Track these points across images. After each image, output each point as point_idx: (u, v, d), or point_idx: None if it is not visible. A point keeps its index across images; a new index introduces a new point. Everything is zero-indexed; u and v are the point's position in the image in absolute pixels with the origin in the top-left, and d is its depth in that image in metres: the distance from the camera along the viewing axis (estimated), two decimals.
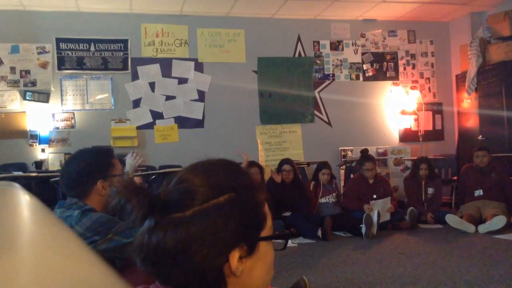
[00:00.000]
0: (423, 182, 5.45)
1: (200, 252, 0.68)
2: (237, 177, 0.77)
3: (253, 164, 5.08)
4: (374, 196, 5.16)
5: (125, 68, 6.09)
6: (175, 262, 0.69)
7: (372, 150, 6.43)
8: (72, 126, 5.91)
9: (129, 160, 2.86)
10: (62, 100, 5.90)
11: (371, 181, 5.31)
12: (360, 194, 5.26)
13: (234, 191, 0.73)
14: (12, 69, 5.77)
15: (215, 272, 0.69)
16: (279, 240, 0.87)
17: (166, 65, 6.21)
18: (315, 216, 4.99)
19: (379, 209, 4.79)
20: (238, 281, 0.72)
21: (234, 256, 0.70)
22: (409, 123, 6.93)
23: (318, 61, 6.78)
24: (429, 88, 7.16)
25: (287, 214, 4.89)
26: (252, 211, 0.74)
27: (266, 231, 0.76)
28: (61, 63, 5.90)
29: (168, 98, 6.20)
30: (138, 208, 0.68)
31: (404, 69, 7.07)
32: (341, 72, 6.85)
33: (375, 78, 6.95)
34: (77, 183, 1.68)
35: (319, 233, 4.52)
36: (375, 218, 4.60)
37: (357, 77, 6.90)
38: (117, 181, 0.70)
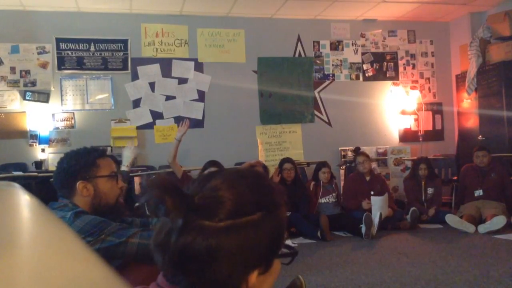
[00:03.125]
0: (423, 182, 5.45)
1: (227, 265, 0.68)
2: (269, 194, 0.76)
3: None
4: (372, 193, 5.17)
5: (125, 68, 6.09)
6: (198, 267, 0.68)
7: (372, 150, 6.44)
8: (72, 126, 5.91)
9: (126, 153, 2.84)
10: (62, 100, 5.90)
11: (367, 178, 5.32)
12: (358, 191, 5.27)
13: (266, 209, 0.73)
14: (12, 69, 5.77)
15: (234, 285, 0.69)
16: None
17: (166, 65, 6.21)
18: (315, 216, 4.99)
19: (379, 205, 4.79)
20: None
21: (255, 273, 0.71)
22: (409, 123, 6.93)
23: (318, 61, 6.78)
24: (429, 88, 7.16)
25: (288, 214, 4.89)
26: (279, 231, 0.75)
27: (281, 248, 0.77)
28: (61, 63, 5.90)
29: (168, 98, 6.20)
30: (175, 211, 0.67)
31: (404, 69, 7.07)
32: (341, 72, 6.85)
33: (375, 78, 6.95)
34: (61, 183, 1.68)
35: (319, 234, 4.52)
36: (375, 218, 4.60)
37: (357, 77, 6.90)
38: (153, 179, 0.68)
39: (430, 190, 5.43)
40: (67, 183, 1.67)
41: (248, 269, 0.70)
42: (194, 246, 0.67)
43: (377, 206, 4.82)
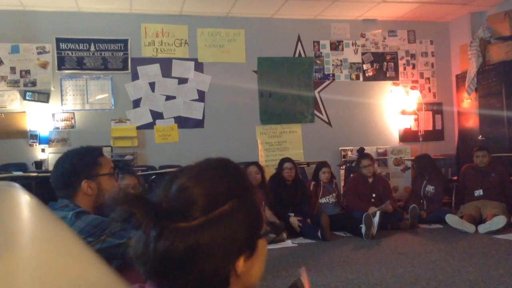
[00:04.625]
0: (425, 179, 5.46)
1: (211, 260, 0.68)
2: (238, 181, 0.76)
3: (253, 163, 5.08)
4: (374, 195, 5.16)
5: (125, 68, 6.09)
6: (183, 270, 0.68)
7: (372, 150, 6.43)
8: (72, 126, 5.91)
9: None
10: (62, 100, 5.90)
11: (370, 180, 5.31)
12: (360, 193, 5.26)
13: (237, 196, 0.72)
14: (12, 69, 5.77)
15: (223, 277, 0.70)
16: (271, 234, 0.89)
17: (166, 65, 6.21)
18: (316, 216, 4.99)
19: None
20: (239, 280, 0.72)
21: (240, 260, 0.71)
22: (409, 123, 6.93)
23: (318, 61, 6.78)
24: (429, 88, 7.16)
25: (291, 215, 4.88)
26: (254, 214, 0.75)
27: (262, 228, 0.77)
28: (61, 63, 5.90)
29: (168, 98, 6.20)
30: (145, 222, 0.66)
31: (404, 69, 7.07)
32: (341, 72, 6.85)
33: (375, 78, 6.95)
34: (63, 184, 1.67)
35: (319, 234, 4.52)
36: (375, 218, 4.60)
37: (357, 77, 6.90)
38: (115, 194, 0.66)
39: (429, 188, 5.43)
40: (71, 183, 1.66)
41: (233, 259, 0.70)
42: (173, 250, 0.66)
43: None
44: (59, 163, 1.70)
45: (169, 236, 0.67)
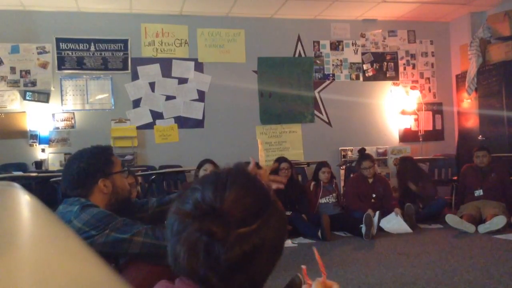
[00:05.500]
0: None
1: (267, 258, 0.76)
2: (266, 188, 0.84)
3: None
4: (374, 195, 5.16)
5: (125, 68, 6.09)
6: (242, 272, 0.74)
7: (372, 150, 6.43)
8: (72, 126, 5.91)
9: None
10: (62, 100, 5.91)
11: (370, 181, 5.30)
12: (360, 193, 5.26)
13: (271, 202, 0.81)
14: (12, 69, 5.77)
15: (264, 282, 0.78)
16: None
17: (166, 65, 6.21)
18: (316, 216, 4.99)
19: (390, 225, 4.79)
20: None
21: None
22: (409, 123, 6.93)
23: (318, 61, 6.78)
24: (429, 88, 7.16)
25: (288, 213, 4.89)
26: (283, 216, 0.83)
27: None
28: (61, 63, 5.90)
29: (168, 98, 6.20)
30: (222, 231, 0.72)
31: (404, 69, 7.07)
32: (341, 72, 6.85)
33: (375, 78, 6.95)
34: (78, 183, 1.68)
35: (319, 233, 4.52)
36: (375, 218, 4.60)
37: (357, 77, 6.90)
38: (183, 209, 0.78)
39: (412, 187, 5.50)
40: (86, 182, 1.68)
41: (278, 255, 0.80)
42: (243, 253, 0.73)
43: (389, 225, 4.81)
44: (73, 162, 1.71)
45: (236, 243, 0.73)
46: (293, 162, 6.29)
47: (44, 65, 5.86)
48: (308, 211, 5.07)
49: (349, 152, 6.62)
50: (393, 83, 7.01)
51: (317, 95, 6.75)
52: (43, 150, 5.75)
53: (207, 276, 0.73)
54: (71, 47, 5.94)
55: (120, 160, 1.84)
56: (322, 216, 4.65)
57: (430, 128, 7.05)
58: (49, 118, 5.82)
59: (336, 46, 6.84)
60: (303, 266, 1.01)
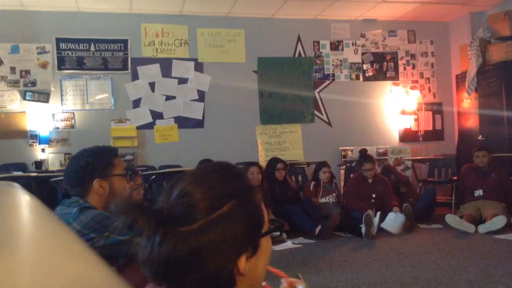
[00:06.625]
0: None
1: (212, 260, 0.71)
2: (235, 182, 0.79)
3: (253, 164, 5.08)
4: (373, 196, 5.16)
5: (125, 68, 6.09)
6: (187, 271, 0.71)
7: (372, 150, 6.42)
8: (72, 126, 5.91)
9: None
10: (62, 100, 5.90)
11: (370, 181, 5.30)
12: (360, 193, 5.26)
13: (234, 198, 0.75)
14: (12, 69, 5.77)
15: (226, 276, 0.72)
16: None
17: (166, 65, 6.21)
18: (317, 212, 4.98)
19: (390, 227, 4.78)
20: (245, 278, 0.74)
21: (242, 259, 0.73)
22: (409, 123, 6.93)
23: (318, 61, 6.78)
24: (429, 88, 7.16)
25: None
26: (254, 213, 0.77)
27: (265, 227, 0.79)
28: (61, 63, 5.90)
29: (168, 98, 6.20)
30: (148, 227, 0.70)
31: (404, 69, 7.07)
32: (341, 72, 6.85)
33: (375, 78, 6.95)
34: (76, 181, 1.68)
35: (317, 229, 4.51)
36: (375, 218, 4.60)
37: (357, 77, 6.90)
38: (119, 202, 0.72)
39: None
40: (83, 181, 1.67)
41: (234, 258, 0.73)
42: (176, 253, 0.70)
43: (390, 223, 4.80)
44: (74, 160, 1.71)
45: (171, 240, 0.70)
46: (293, 162, 6.31)
47: (44, 65, 5.85)
48: (310, 206, 5.05)
49: (349, 152, 6.63)
50: (393, 83, 7.00)
51: (317, 95, 6.75)
52: (43, 150, 5.75)
53: (160, 276, 0.72)
54: (71, 47, 5.94)
55: (124, 163, 1.81)
56: (332, 213, 4.67)
57: (430, 128, 7.05)
58: (49, 118, 5.82)
59: (336, 46, 6.84)
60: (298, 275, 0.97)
